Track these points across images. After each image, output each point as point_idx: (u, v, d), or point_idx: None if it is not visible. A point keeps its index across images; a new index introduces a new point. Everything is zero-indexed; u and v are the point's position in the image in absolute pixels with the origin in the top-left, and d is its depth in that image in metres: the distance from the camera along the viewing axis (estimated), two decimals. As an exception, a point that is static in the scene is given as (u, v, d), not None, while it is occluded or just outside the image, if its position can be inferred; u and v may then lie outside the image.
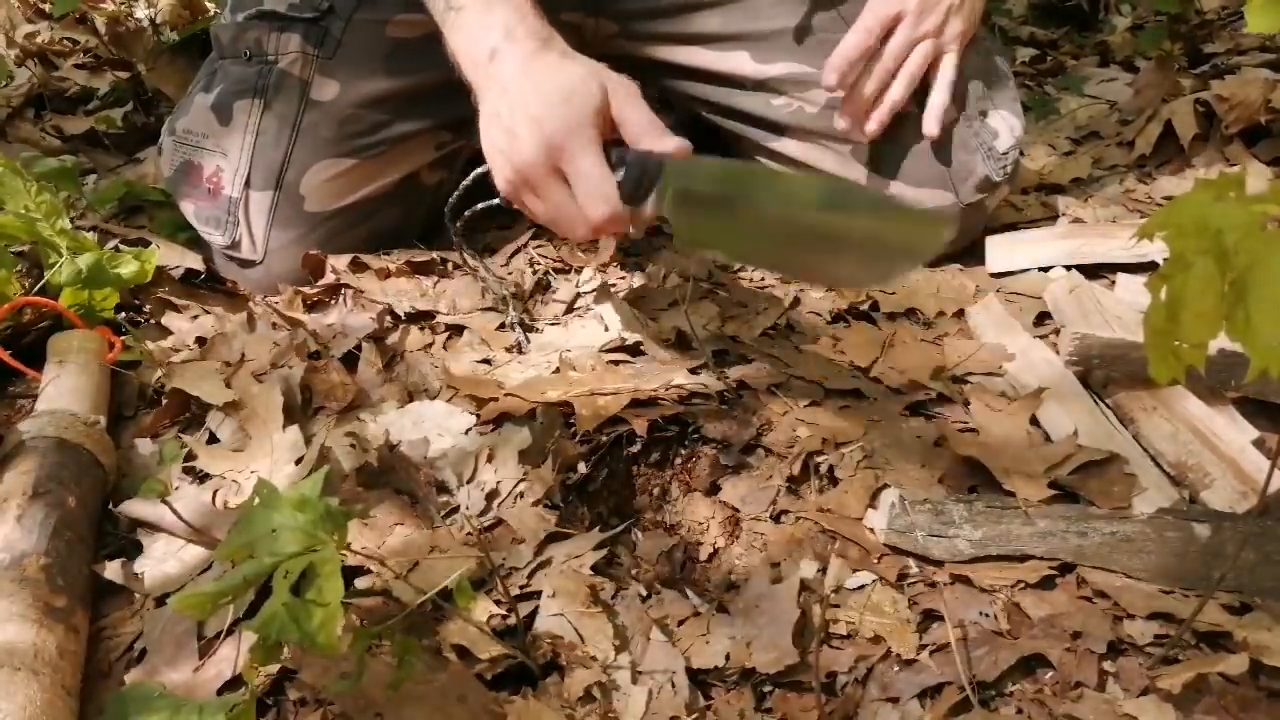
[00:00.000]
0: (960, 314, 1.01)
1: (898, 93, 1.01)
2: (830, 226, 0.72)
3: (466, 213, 0.87)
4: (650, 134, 0.76)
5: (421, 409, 0.86)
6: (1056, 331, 0.97)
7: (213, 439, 0.84)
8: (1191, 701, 0.60)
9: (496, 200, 0.83)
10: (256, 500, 0.55)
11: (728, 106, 1.12)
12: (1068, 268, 1.05)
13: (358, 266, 1.04)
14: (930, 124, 1.01)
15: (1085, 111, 1.55)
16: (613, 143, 0.76)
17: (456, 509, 0.77)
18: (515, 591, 0.69)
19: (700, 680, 0.64)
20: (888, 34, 0.99)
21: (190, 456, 0.82)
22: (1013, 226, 1.20)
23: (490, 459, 0.80)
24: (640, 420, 0.80)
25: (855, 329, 0.99)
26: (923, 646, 0.65)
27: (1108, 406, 0.85)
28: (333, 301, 1.03)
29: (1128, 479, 0.76)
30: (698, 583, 0.74)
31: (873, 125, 1.02)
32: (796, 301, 1.03)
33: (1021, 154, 1.09)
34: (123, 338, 0.96)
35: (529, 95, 0.76)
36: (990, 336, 0.96)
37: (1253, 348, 0.42)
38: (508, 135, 0.77)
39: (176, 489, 0.79)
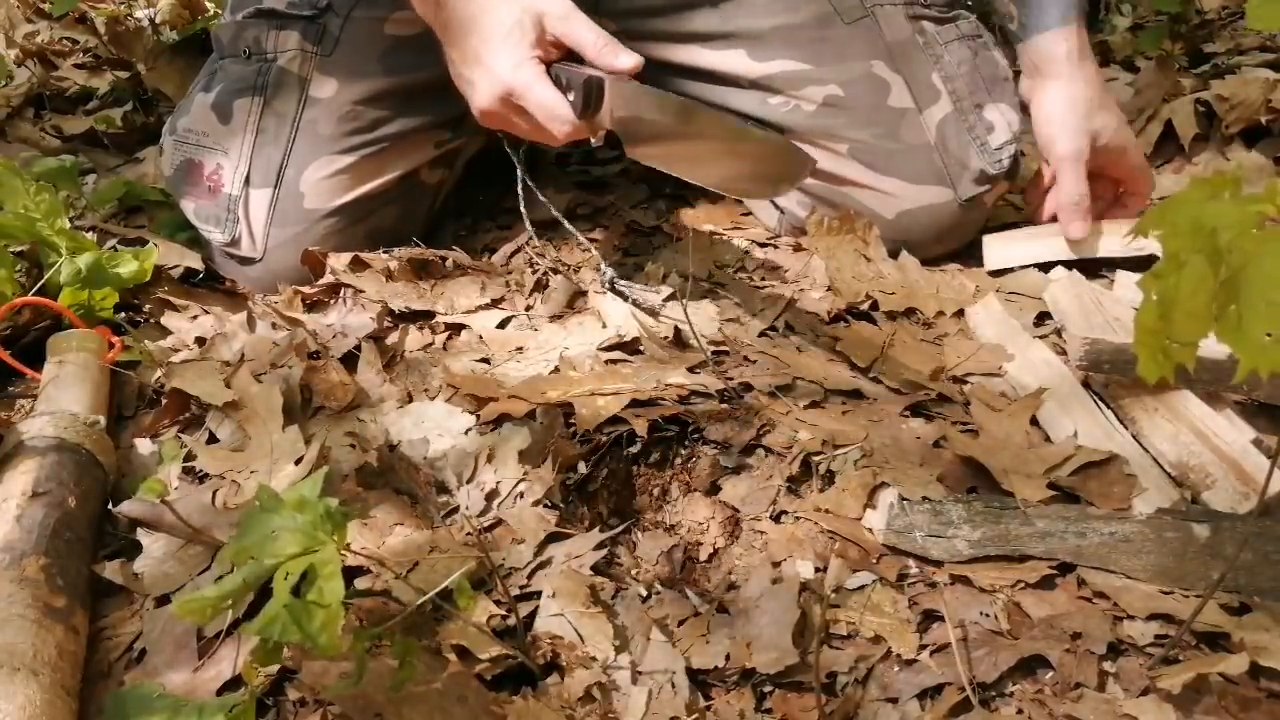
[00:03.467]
0: (960, 314, 1.01)
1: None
2: (745, 140, 0.83)
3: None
4: (603, 53, 0.85)
5: (421, 409, 0.86)
6: (1057, 331, 0.97)
7: (212, 439, 0.84)
8: (1191, 702, 0.60)
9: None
10: (257, 503, 0.55)
11: (725, 106, 1.12)
12: (1068, 267, 1.05)
13: (358, 265, 1.04)
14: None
15: (1085, 111, 1.55)
16: (563, 60, 0.88)
17: (456, 509, 0.77)
18: (515, 592, 0.69)
19: (700, 680, 0.64)
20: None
21: (190, 456, 0.82)
22: (1013, 225, 1.20)
23: (490, 459, 0.80)
24: (640, 420, 0.80)
25: (855, 329, 0.99)
26: (923, 647, 0.65)
27: (1108, 407, 0.85)
28: (332, 301, 1.03)
29: (1128, 480, 0.76)
30: (698, 583, 0.74)
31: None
32: (794, 301, 1.03)
33: (1021, 152, 1.09)
34: (122, 338, 0.96)
35: (474, 41, 0.87)
36: (990, 336, 0.96)
37: (1242, 348, 0.42)
38: (467, 84, 0.90)
39: (176, 489, 0.79)
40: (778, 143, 0.84)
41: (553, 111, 0.85)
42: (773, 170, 0.82)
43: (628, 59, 0.85)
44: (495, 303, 1.02)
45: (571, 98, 0.85)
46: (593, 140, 0.89)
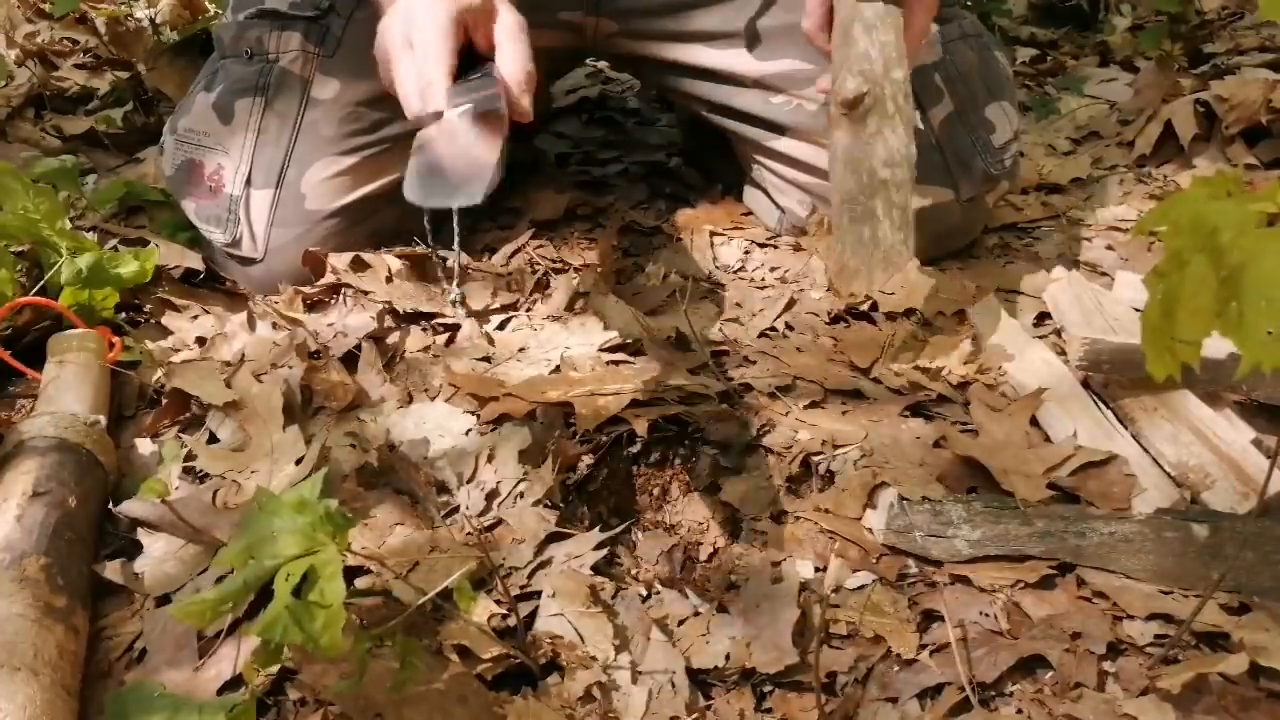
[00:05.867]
0: (960, 314, 1.01)
1: None
2: None
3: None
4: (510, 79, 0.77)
5: (422, 409, 0.86)
6: (1057, 332, 0.97)
7: (213, 439, 0.84)
8: (1191, 702, 0.60)
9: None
10: (256, 505, 0.55)
11: (727, 105, 1.12)
12: (1068, 267, 1.05)
13: (358, 265, 1.04)
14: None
15: (1085, 111, 1.55)
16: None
17: (456, 509, 0.77)
18: (515, 592, 0.69)
19: (700, 680, 0.64)
20: None
21: (190, 456, 0.82)
22: (1013, 226, 1.20)
23: (490, 459, 0.80)
24: (640, 420, 0.80)
25: (855, 329, 0.99)
26: (923, 646, 0.65)
27: (1108, 407, 0.85)
28: (333, 301, 1.03)
29: (1127, 480, 0.76)
30: (698, 583, 0.74)
31: None
32: (794, 301, 1.03)
33: (1021, 153, 1.09)
34: (123, 338, 0.96)
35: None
36: (990, 336, 0.96)
37: (1244, 344, 0.42)
38: (386, 29, 0.82)
39: (176, 489, 0.79)
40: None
41: (427, 64, 0.78)
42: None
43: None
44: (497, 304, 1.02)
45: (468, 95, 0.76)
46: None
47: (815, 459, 0.80)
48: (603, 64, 1.76)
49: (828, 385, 0.88)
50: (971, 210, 1.08)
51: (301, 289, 1.04)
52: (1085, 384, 0.87)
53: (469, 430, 0.83)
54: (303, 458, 0.79)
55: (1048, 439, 0.82)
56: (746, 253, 1.16)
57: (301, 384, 0.87)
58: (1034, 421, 0.84)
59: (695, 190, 1.33)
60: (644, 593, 0.70)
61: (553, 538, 0.73)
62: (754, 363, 0.92)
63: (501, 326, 0.99)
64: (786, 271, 1.10)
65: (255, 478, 0.79)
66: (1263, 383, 0.81)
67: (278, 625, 0.50)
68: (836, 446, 0.81)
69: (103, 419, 0.82)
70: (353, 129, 1.04)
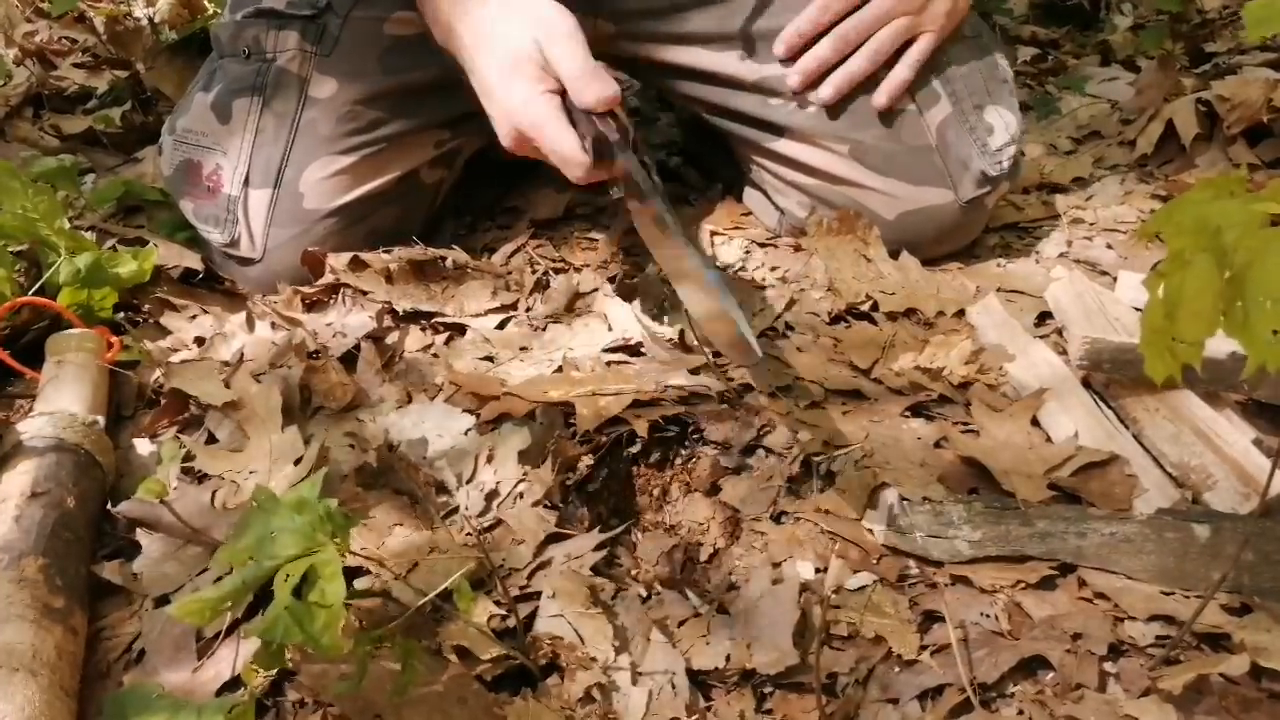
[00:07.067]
0: (961, 314, 1.01)
1: (857, 64, 1.02)
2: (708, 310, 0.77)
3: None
4: (577, 91, 0.82)
5: (421, 409, 0.86)
6: (1058, 331, 0.97)
7: (211, 439, 0.84)
8: (1192, 702, 0.60)
9: None
10: (254, 505, 0.55)
11: (725, 107, 1.12)
12: (1068, 267, 1.05)
13: (357, 265, 1.04)
14: (880, 95, 1.03)
15: (1086, 111, 1.55)
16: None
17: (456, 509, 0.76)
18: (515, 592, 0.69)
19: (700, 681, 0.64)
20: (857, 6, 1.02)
21: (189, 457, 0.82)
22: (1013, 226, 1.20)
23: (490, 459, 0.80)
24: (641, 420, 0.80)
25: (855, 329, 0.99)
26: (923, 647, 0.65)
27: (1109, 407, 0.84)
28: (331, 301, 1.03)
29: (1128, 480, 0.75)
30: (698, 583, 0.73)
31: (826, 90, 1.03)
32: (794, 301, 1.03)
33: (1022, 153, 1.09)
34: (121, 337, 0.96)
35: (483, 70, 0.86)
36: (991, 337, 0.96)
37: (1250, 344, 0.42)
38: (487, 115, 0.88)
39: (175, 489, 0.79)
40: (730, 334, 0.73)
41: (564, 155, 0.81)
42: (720, 341, 0.76)
43: (597, 91, 0.81)
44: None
45: (585, 144, 0.81)
46: (613, 191, 0.84)
47: (815, 459, 0.80)
48: (602, 65, 1.75)
49: (828, 385, 0.88)
50: (971, 211, 1.08)
51: (300, 289, 1.03)
52: (1086, 384, 0.87)
53: (469, 430, 0.82)
54: (301, 458, 0.79)
55: (1049, 439, 0.82)
56: (746, 253, 1.15)
57: (300, 384, 0.86)
58: (1035, 422, 0.84)
59: (695, 190, 1.33)
60: (644, 593, 0.70)
61: (552, 538, 0.73)
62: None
63: (501, 326, 0.98)
64: (786, 271, 1.09)
65: (254, 478, 0.78)
66: (1264, 383, 0.81)
67: (278, 625, 0.50)
68: (837, 446, 0.80)
69: (101, 419, 0.82)
70: (350, 128, 1.04)
